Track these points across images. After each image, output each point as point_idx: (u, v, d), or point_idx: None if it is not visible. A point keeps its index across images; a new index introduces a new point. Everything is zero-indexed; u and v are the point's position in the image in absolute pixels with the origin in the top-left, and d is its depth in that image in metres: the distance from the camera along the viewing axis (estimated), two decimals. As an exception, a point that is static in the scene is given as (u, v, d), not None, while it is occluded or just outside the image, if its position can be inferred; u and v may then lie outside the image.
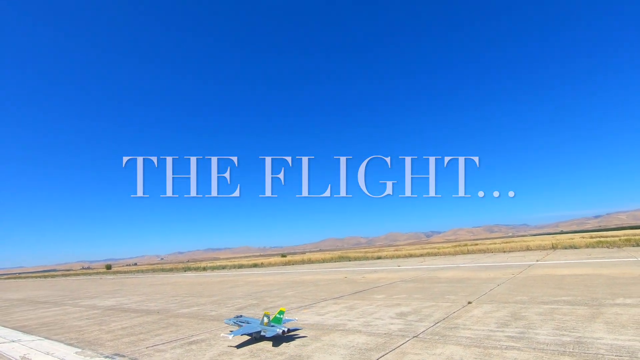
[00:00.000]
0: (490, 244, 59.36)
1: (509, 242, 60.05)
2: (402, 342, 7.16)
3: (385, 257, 48.78)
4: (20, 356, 8.33)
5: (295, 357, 6.68)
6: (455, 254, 44.50)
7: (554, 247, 38.56)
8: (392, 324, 8.90)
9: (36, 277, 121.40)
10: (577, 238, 57.61)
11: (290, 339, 8.04)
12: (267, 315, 8.19)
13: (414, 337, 7.51)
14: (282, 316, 8.17)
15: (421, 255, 48.00)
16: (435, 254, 47.02)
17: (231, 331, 7.97)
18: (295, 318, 9.71)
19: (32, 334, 11.13)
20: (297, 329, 8.73)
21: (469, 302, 10.94)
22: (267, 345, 7.68)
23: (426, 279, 18.54)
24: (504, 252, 40.01)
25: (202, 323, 10.88)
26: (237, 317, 9.16)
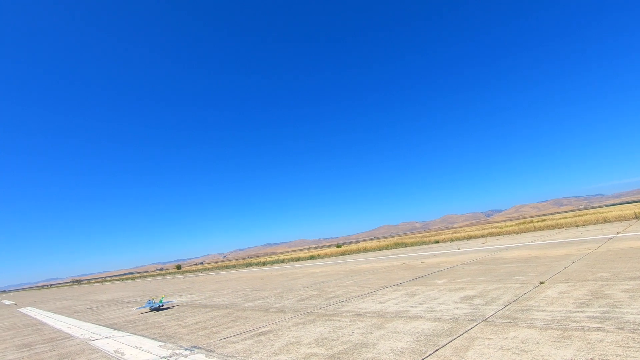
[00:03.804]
0: (560, 218, 54.72)
1: (582, 215, 54.93)
2: (470, 327, 6.88)
3: (443, 241, 47.20)
4: (114, 350, 9.35)
5: (360, 345, 6.72)
6: (521, 232, 41.72)
7: (637, 217, 34.56)
8: (457, 308, 8.59)
9: (119, 279, 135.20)
10: (665, 204, 51.03)
11: (166, 309, 16.13)
12: (154, 299, 17.69)
13: (482, 321, 7.17)
14: (164, 299, 17.63)
15: (482, 235, 45.68)
16: (498, 234, 44.44)
17: (138, 307, 17.25)
18: (175, 300, 19.57)
19: (121, 330, 12.42)
20: (175, 306, 17.06)
21: (541, 282, 10.20)
22: (313, 334, 7.81)
23: (490, 260, 17.62)
24: (577, 226, 36.63)
25: (267, 315, 11.35)
26: (148, 301, 17.13)
